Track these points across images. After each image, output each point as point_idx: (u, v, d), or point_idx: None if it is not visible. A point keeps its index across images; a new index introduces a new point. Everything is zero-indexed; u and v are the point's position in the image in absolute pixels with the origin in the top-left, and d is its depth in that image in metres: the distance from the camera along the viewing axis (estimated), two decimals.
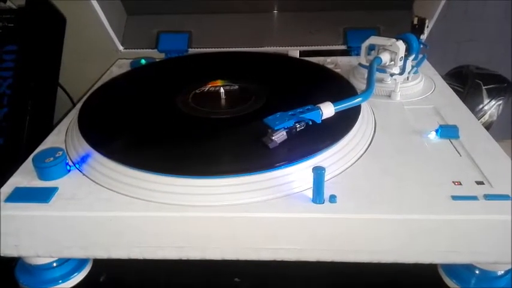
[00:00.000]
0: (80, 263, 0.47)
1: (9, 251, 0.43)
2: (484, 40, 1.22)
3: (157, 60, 0.75)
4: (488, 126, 0.94)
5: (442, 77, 0.66)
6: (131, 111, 0.56)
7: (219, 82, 0.61)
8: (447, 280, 0.45)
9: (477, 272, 0.44)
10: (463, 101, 0.58)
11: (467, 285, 0.44)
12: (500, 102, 0.95)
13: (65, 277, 0.46)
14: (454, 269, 0.45)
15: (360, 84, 0.61)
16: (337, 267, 0.42)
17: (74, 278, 0.47)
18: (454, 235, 0.39)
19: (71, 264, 0.47)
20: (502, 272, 0.43)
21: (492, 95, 0.95)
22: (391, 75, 0.58)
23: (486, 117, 0.96)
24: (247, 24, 0.79)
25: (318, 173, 0.38)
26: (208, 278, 0.48)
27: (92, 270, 0.48)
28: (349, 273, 0.45)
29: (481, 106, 0.95)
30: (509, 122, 1.19)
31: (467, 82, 0.95)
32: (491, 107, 0.95)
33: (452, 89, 0.62)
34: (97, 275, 0.48)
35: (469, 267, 0.44)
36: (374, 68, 0.54)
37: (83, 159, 0.47)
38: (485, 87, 0.95)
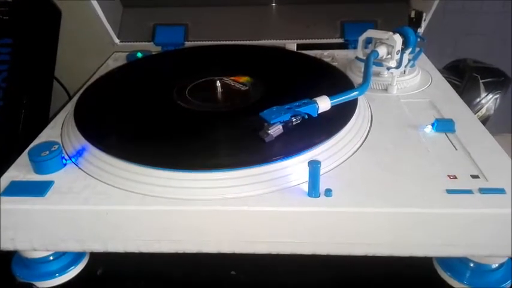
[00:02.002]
0: (77, 256, 0.48)
1: (5, 245, 0.43)
2: (481, 33, 1.22)
3: (153, 53, 0.74)
4: (485, 120, 0.94)
5: (439, 70, 0.66)
6: (128, 105, 0.56)
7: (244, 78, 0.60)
8: (442, 273, 0.45)
9: (472, 265, 0.44)
10: (460, 95, 0.58)
11: (462, 278, 0.44)
12: (498, 96, 0.96)
13: (62, 270, 0.46)
14: (449, 262, 0.45)
15: (356, 78, 0.61)
16: (333, 261, 0.43)
17: (71, 272, 0.47)
18: (449, 228, 0.39)
19: (68, 258, 0.47)
20: (497, 265, 0.44)
21: (489, 88, 0.95)
22: (388, 68, 0.58)
23: (483, 111, 0.96)
24: (244, 17, 0.79)
25: (314, 167, 0.39)
26: (204, 271, 0.48)
27: (89, 264, 0.48)
28: (344, 266, 0.46)
29: (478, 100, 0.95)
30: (506, 115, 1.20)
31: (464, 76, 0.95)
32: (489, 101, 0.95)
33: (450, 82, 0.62)
34: (94, 268, 0.48)
35: (463, 260, 0.44)
36: (371, 61, 0.54)
37: (79, 153, 0.47)
38: (483, 80, 0.95)
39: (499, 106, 0.96)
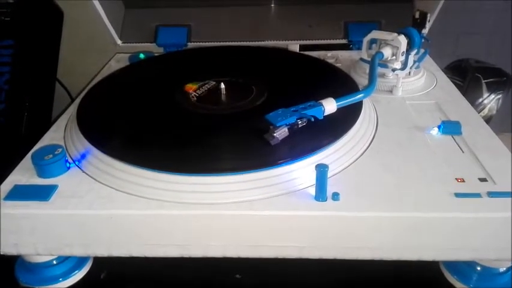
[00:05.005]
0: (81, 260, 0.47)
1: (8, 249, 0.42)
2: (483, 33, 1.22)
3: (156, 54, 0.74)
4: (487, 120, 0.94)
5: (442, 70, 0.66)
6: (131, 107, 0.56)
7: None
8: (449, 277, 0.45)
9: (479, 268, 0.43)
10: (462, 95, 0.58)
11: (469, 282, 0.44)
12: (500, 96, 0.95)
13: (66, 275, 0.46)
14: (455, 265, 0.45)
15: (361, 79, 0.61)
16: (340, 264, 0.42)
17: (75, 276, 0.46)
18: (457, 232, 0.39)
19: (71, 262, 0.47)
20: (504, 268, 0.43)
21: (492, 89, 0.95)
22: (393, 70, 0.57)
23: (485, 111, 0.96)
24: (247, 17, 0.78)
25: (321, 170, 0.38)
26: (209, 274, 0.48)
27: (93, 267, 0.48)
28: (351, 270, 0.45)
29: (480, 100, 0.95)
30: (507, 114, 1.19)
31: (466, 76, 0.95)
32: (491, 101, 0.95)
33: (452, 82, 0.62)
34: (98, 272, 0.48)
35: (471, 264, 0.44)
36: (376, 63, 0.54)
37: (83, 156, 0.46)
38: (485, 81, 0.95)
39: (500, 106, 0.96)
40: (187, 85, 0.58)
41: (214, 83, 0.58)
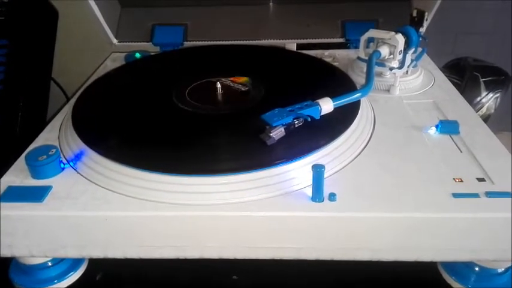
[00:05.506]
0: (76, 262, 0.47)
1: (3, 251, 0.42)
2: (481, 33, 1.21)
3: (152, 53, 0.73)
4: (485, 119, 0.94)
5: (440, 69, 0.66)
6: (126, 107, 0.55)
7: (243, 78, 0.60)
8: (447, 277, 0.45)
9: (477, 269, 0.43)
10: (460, 94, 0.58)
11: (467, 283, 0.43)
12: (498, 95, 0.95)
13: (61, 276, 0.46)
14: (453, 266, 0.44)
15: (358, 78, 0.60)
16: (337, 266, 0.42)
17: (70, 278, 0.46)
18: (455, 233, 0.39)
19: (67, 264, 0.46)
20: (503, 269, 0.43)
21: (490, 87, 0.95)
22: (391, 69, 0.57)
23: (484, 110, 0.96)
24: (243, 16, 0.78)
25: (318, 171, 0.38)
26: (206, 275, 0.47)
27: (88, 269, 0.47)
28: (348, 271, 0.45)
29: (478, 99, 0.95)
30: (506, 113, 1.19)
31: (465, 74, 0.95)
32: (489, 100, 0.95)
33: (450, 81, 0.62)
34: (93, 273, 0.47)
35: (469, 265, 0.44)
36: (373, 62, 0.53)
37: (77, 156, 0.46)
38: (483, 79, 0.95)
39: (499, 104, 0.95)
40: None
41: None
